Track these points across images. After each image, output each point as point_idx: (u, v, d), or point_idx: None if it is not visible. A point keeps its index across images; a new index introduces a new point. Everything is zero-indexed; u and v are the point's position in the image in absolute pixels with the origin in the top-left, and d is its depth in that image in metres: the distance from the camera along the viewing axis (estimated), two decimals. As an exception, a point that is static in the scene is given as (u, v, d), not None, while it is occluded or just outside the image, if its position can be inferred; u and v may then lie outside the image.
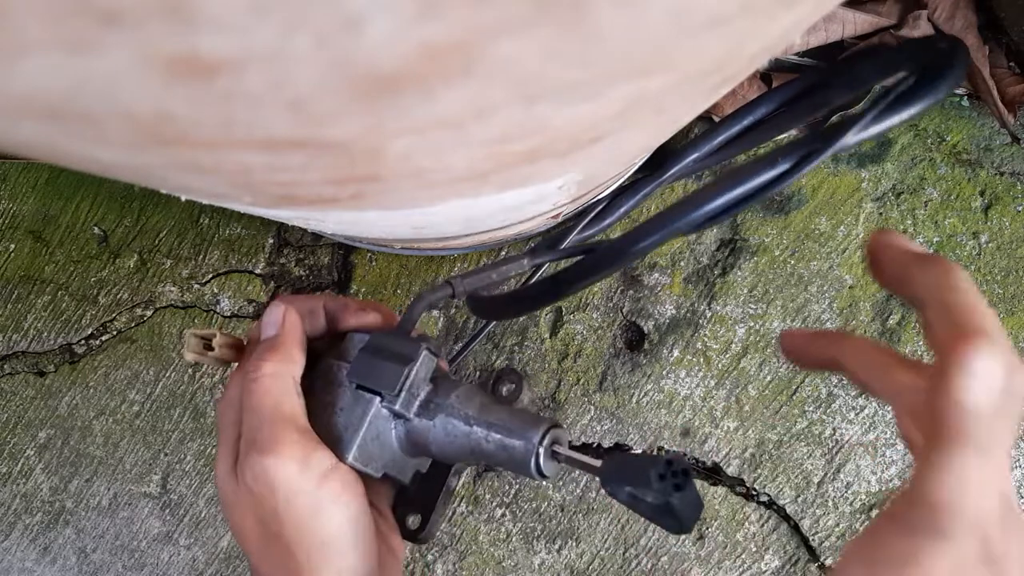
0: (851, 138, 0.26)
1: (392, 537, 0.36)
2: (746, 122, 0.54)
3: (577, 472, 0.57)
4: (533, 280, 0.39)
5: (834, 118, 0.55)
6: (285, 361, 0.33)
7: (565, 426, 0.57)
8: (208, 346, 0.35)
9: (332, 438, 0.33)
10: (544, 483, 0.32)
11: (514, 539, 0.58)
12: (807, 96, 0.52)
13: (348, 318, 0.37)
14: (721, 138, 0.54)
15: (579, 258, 0.32)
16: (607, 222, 0.56)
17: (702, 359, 0.57)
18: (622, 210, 0.56)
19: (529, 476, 0.32)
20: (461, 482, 0.57)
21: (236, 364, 0.37)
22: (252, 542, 0.32)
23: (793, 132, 0.57)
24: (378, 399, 0.34)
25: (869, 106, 0.27)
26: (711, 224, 0.29)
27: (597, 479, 0.30)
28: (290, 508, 0.31)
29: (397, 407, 0.33)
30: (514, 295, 0.35)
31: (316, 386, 0.35)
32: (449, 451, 0.34)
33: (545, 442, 0.32)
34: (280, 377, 0.33)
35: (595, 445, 0.58)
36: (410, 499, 0.38)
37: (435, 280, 0.60)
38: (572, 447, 0.33)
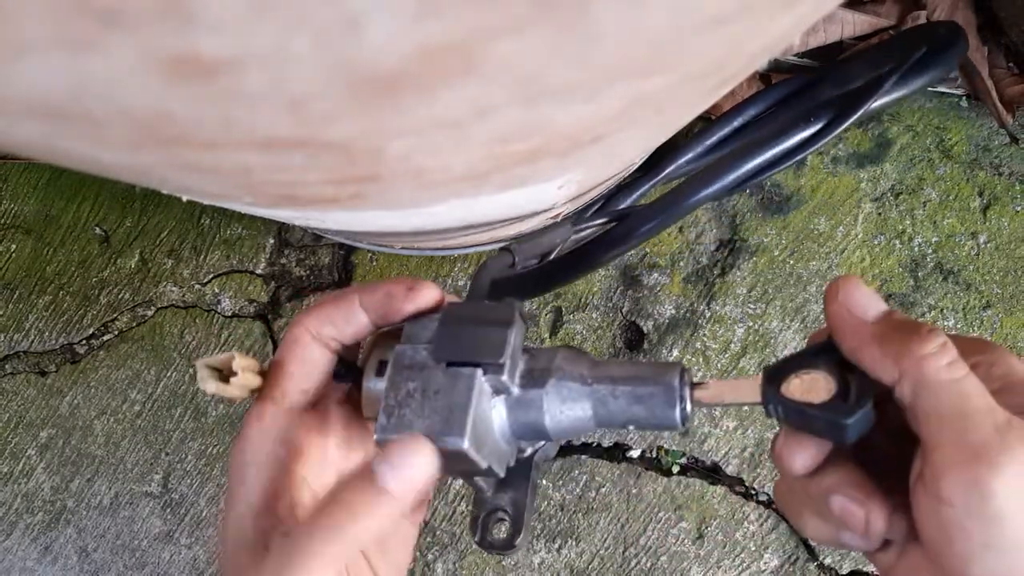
0: (876, 101, 0.26)
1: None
2: (737, 122, 0.54)
3: (576, 471, 0.57)
4: (564, 252, 0.37)
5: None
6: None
7: None
8: (224, 376, 0.28)
9: (434, 425, 0.28)
10: (682, 428, 0.30)
11: (514, 539, 0.58)
12: (798, 95, 0.53)
13: (403, 305, 0.30)
14: (715, 137, 0.55)
15: (612, 224, 0.30)
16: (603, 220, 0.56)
17: (701, 359, 0.57)
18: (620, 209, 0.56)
19: (670, 427, 0.29)
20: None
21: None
22: None
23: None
24: (479, 372, 0.28)
25: (888, 73, 0.27)
26: (743, 187, 0.29)
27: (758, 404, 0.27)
28: None
29: (504, 377, 0.29)
30: (546, 268, 0.32)
31: (390, 379, 0.29)
32: (566, 420, 0.30)
33: (686, 382, 0.29)
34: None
35: (595, 445, 0.58)
36: (489, 502, 0.33)
37: (434, 280, 0.60)
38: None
